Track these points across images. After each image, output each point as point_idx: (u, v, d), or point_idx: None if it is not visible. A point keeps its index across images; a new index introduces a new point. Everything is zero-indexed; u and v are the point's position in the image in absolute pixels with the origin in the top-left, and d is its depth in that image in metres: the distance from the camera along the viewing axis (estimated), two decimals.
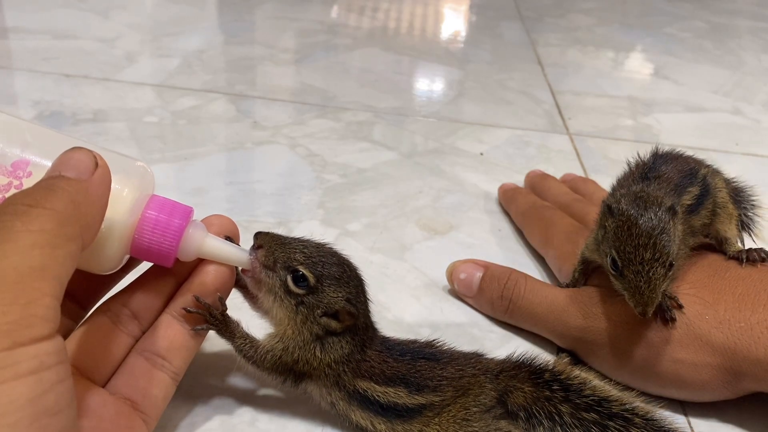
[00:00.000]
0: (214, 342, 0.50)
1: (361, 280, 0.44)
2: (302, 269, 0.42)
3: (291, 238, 0.44)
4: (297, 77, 1.00)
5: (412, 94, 1.00)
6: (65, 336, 0.40)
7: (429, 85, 1.07)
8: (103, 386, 0.40)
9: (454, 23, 1.41)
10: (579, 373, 0.44)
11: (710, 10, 1.57)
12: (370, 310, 0.45)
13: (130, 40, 1.07)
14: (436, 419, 0.42)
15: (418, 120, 0.90)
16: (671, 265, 0.45)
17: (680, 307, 0.47)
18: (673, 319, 0.47)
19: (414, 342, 0.46)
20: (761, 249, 0.52)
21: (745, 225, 0.56)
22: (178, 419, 0.44)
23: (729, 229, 0.53)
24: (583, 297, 0.51)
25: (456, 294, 0.58)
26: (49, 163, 0.34)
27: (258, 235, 0.43)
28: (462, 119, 0.92)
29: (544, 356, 0.46)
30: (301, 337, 0.42)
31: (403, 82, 1.04)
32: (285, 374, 0.43)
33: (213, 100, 0.90)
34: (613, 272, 0.46)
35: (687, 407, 0.49)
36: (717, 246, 0.53)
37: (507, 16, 1.40)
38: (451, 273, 0.58)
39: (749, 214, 0.56)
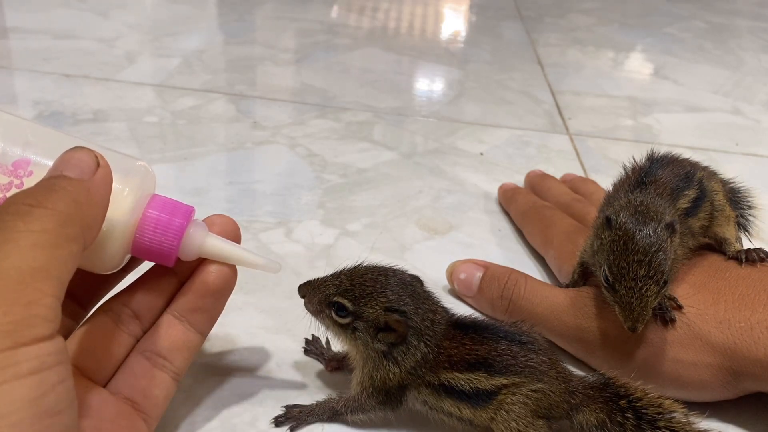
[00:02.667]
0: (215, 342, 0.51)
1: (404, 282, 0.43)
2: (336, 299, 0.42)
3: (327, 276, 0.44)
4: (297, 77, 1.01)
5: (412, 94, 1.00)
6: (66, 336, 0.40)
7: (429, 85, 1.07)
8: (104, 386, 0.40)
9: (454, 23, 1.41)
10: (658, 402, 0.42)
11: (710, 10, 1.57)
12: (434, 305, 0.44)
13: (130, 40, 1.07)
14: (510, 398, 0.42)
15: (418, 120, 0.90)
16: (665, 282, 0.44)
17: (680, 307, 0.47)
18: (673, 320, 0.47)
19: (494, 320, 0.46)
20: (760, 249, 0.52)
21: (741, 226, 0.56)
22: (178, 419, 0.44)
23: (727, 231, 0.53)
24: (583, 297, 0.51)
25: (456, 294, 0.58)
26: (50, 163, 0.34)
27: (300, 288, 0.44)
28: (462, 119, 0.92)
29: (623, 379, 0.44)
30: (372, 360, 0.43)
31: (403, 82, 1.04)
32: (388, 397, 0.43)
33: (213, 100, 0.90)
34: (605, 285, 0.46)
35: (687, 407, 0.49)
36: (716, 246, 0.53)
37: (507, 16, 1.40)
38: (451, 273, 0.58)
39: (745, 214, 0.56)
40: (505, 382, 0.42)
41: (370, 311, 0.42)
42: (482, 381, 0.42)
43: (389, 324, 0.42)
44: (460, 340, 0.43)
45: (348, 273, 0.44)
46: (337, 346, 0.47)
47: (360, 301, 0.42)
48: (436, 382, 0.43)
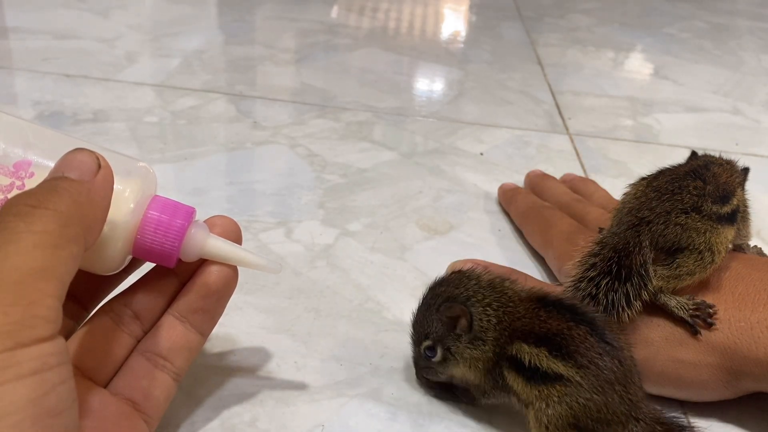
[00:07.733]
0: (215, 343, 0.51)
1: (437, 284, 0.46)
2: (421, 348, 0.45)
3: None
4: (297, 77, 1.01)
5: (412, 94, 1.00)
6: (67, 337, 0.40)
7: (429, 85, 1.07)
8: (105, 387, 0.40)
9: (454, 23, 1.41)
10: None
11: (710, 10, 1.57)
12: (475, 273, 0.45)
13: (130, 40, 1.07)
14: (556, 399, 0.39)
15: (418, 120, 0.90)
16: None
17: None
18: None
19: (590, 309, 0.42)
20: (755, 246, 0.52)
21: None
22: (178, 419, 0.44)
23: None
24: None
25: None
26: (51, 164, 0.34)
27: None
28: (462, 119, 0.92)
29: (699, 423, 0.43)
30: (470, 355, 0.43)
31: (403, 82, 1.04)
32: (494, 379, 0.43)
33: (213, 100, 0.90)
34: None
35: (687, 407, 0.49)
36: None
37: (507, 16, 1.40)
38: None
39: None
40: (563, 371, 0.39)
41: (434, 328, 0.43)
42: (543, 360, 0.39)
43: (451, 317, 0.42)
44: (536, 312, 0.41)
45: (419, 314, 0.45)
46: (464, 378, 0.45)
47: (423, 331, 0.44)
48: (508, 354, 0.41)
